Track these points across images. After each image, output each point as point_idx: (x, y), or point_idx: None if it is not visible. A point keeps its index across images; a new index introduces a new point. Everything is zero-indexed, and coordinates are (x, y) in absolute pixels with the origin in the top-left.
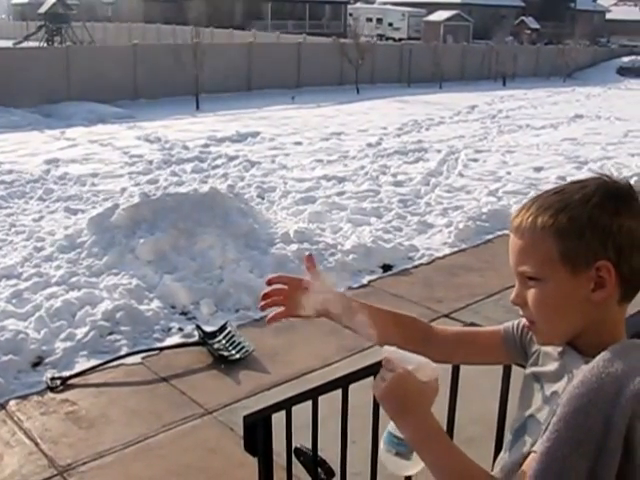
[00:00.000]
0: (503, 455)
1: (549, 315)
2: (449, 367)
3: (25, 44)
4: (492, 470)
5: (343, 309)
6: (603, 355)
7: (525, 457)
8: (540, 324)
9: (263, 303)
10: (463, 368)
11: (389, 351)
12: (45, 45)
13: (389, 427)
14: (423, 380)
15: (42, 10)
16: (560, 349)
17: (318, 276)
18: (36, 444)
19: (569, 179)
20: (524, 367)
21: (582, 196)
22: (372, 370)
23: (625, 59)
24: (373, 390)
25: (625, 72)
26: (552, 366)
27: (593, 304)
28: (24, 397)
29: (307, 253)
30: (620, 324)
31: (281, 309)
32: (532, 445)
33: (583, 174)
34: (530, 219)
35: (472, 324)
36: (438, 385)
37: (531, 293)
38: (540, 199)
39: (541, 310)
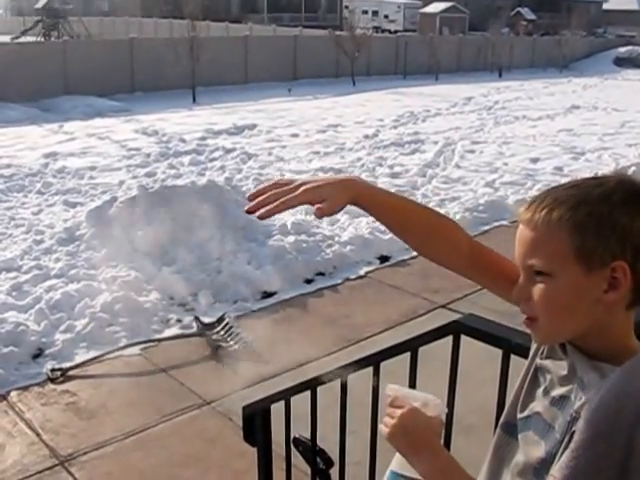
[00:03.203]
0: (500, 441)
1: (555, 313)
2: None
3: (22, 39)
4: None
5: (373, 196)
6: (620, 374)
7: (539, 461)
8: (543, 321)
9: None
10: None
11: (394, 389)
12: (42, 40)
13: (392, 467)
14: (429, 415)
15: (39, 5)
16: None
17: None
18: (37, 434)
19: (566, 170)
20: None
21: (602, 192)
22: (370, 361)
23: (622, 49)
24: (382, 430)
25: (622, 62)
26: (559, 365)
27: (602, 305)
28: (25, 388)
29: None
30: (629, 330)
31: (277, 203)
32: (537, 444)
33: (580, 165)
34: (544, 211)
35: (470, 315)
36: (443, 420)
37: (538, 289)
38: (554, 192)
39: (548, 307)
